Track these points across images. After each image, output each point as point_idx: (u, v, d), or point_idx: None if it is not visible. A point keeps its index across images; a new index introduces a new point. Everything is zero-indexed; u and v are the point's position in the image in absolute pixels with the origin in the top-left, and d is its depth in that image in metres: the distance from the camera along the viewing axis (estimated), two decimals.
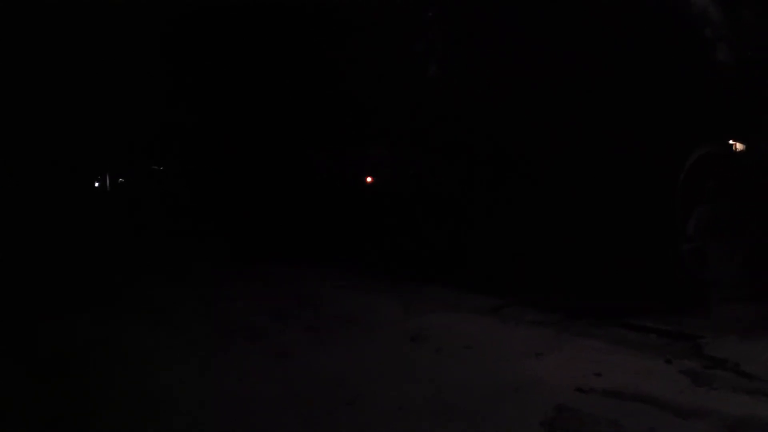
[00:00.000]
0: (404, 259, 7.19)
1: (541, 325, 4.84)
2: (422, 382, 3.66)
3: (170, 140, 12.45)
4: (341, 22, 8.16)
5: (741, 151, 4.96)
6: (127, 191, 14.27)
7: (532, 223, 6.26)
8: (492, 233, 6.54)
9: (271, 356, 4.26)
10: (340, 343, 4.53)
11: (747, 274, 4.85)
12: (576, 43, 5.56)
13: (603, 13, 5.38)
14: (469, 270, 6.55)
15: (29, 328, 5.16)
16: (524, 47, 6.06)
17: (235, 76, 10.32)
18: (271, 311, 5.46)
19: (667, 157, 4.79)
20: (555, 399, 3.30)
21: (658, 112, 5.07)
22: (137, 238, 10.67)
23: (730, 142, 4.88)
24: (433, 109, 7.07)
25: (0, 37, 9.84)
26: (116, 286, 6.83)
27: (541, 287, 5.74)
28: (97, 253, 9.14)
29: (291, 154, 9.62)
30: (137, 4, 10.36)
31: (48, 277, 7.35)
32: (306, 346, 4.46)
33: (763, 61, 4.91)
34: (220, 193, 11.09)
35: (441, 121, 6.95)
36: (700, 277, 4.72)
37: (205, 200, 11.48)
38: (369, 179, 8.52)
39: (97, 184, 15.68)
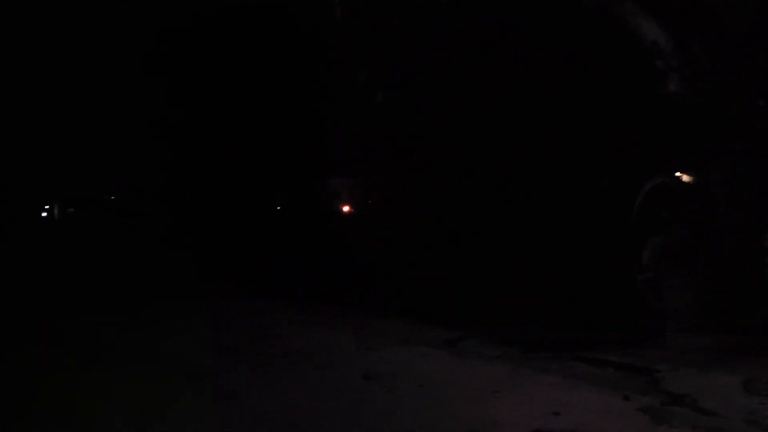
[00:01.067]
0: (361, 289, 7.02)
1: (499, 359, 4.69)
2: (375, 425, 3.45)
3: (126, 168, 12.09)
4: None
5: (693, 182, 4.97)
6: (75, 221, 13.73)
7: (488, 249, 6.19)
8: (447, 260, 6.43)
9: (216, 398, 4.00)
10: (290, 382, 4.30)
11: (702, 305, 4.83)
12: (525, 76, 5.59)
13: (557, 44, 5.40)
14: (425, 299, 6.41)
15: None
16: (475, 75, 6.06)
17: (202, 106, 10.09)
18: (220, 348, 5.19)
19: (623, 187, 4.77)
20: None
21: (614, 141, 5.08)
22: (85, 268, 10.21)
23: (681, 172, 4.90)
24: (387, 135, 7.01)
25: None
26: (59, 321, 6.43)
27: (497, 317, 5.62)
28: (44, 284, 8.69)
29: (247, 181, 9.40)
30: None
31: None
32: (253, 386, 4.21)
33: (712, 93, 4.97)
34: (174, 223, 10.77)
35: (397, 146, 6.90)
36: (656, 307, 4.67)
37: (160, 229, 11.14)
38: (346, 208, 8.33)
39: (44, 214, 15.08)
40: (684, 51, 5.01)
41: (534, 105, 5.63)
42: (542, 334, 5.30)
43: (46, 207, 13.84)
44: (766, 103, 4.73)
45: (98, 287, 8.52)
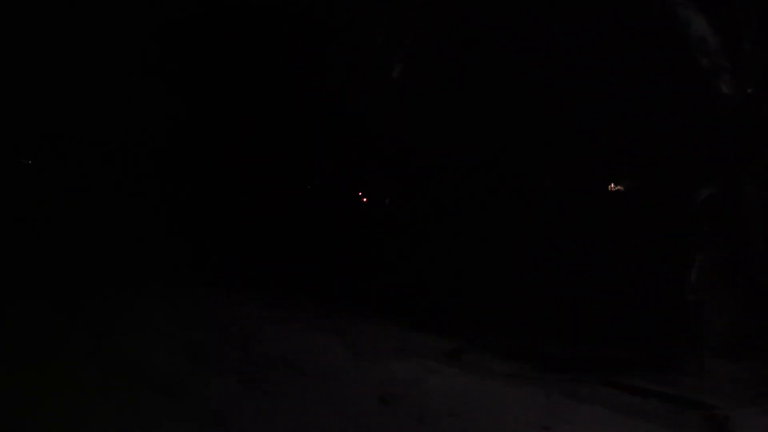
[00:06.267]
0: (336, 286, 6.30)
1: (519, 379, 4.16)
2: None
3: None
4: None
5: (731, 194, 4.57)
6: None
7: (477, 249, 5.69)
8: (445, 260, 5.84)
9: (200, 421, 3.19)
10: (289, 402, 3.55)
11: (735, 331, 4.45)
12: (573, 73, 5.01)
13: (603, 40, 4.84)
14: (410, 302, 5.80)
15: None
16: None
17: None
18: (188, 350, 4.33)
19: (669, 197, 4.30)
20: None
21: (662, 145, 4.60)
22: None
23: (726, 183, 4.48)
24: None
25: None
26: None
27: (490, 325, 5.13)
28: None
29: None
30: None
31: None
32: (244, 406, 3.44)
33: (762, 99, 4.57)
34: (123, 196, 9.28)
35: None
36: (691, 329, 4.25)
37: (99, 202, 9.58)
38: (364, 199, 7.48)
39: None
40: (734, 49, 4.57)
41: (579, 104, 5.07)
42: (548, 347, 4.85)
43: None
44: None
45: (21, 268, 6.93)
